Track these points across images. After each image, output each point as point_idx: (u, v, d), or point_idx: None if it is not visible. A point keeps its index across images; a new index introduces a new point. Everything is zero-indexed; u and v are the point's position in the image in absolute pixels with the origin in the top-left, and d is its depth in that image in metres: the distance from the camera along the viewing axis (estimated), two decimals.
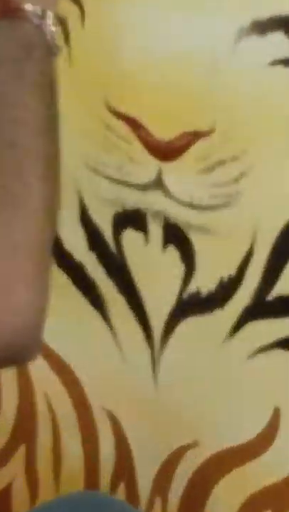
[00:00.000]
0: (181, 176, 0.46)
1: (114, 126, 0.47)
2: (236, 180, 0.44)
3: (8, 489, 0.63)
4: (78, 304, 0.54)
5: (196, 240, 0.48)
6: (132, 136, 0.46)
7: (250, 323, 0.48)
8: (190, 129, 0.43)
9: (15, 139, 0.27)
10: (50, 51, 0.30)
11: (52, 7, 0.31)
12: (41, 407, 0.59)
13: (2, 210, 0.26)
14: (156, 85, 0.45)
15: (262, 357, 0.48)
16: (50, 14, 0.30)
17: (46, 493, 0.61)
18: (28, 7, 0.29)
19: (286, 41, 0.40)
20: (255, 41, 0.41)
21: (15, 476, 0.62)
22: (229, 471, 0.52)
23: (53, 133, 0.29)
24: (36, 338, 0.28)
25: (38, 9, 0.29)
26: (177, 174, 0.46)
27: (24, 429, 0.60)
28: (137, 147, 0.46)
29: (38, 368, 0.56)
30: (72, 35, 0.46)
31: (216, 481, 0.53)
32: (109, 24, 0.45)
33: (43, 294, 0.27)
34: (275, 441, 0.49)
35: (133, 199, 0.49)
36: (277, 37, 0.40)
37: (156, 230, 0.49)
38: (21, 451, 0.61)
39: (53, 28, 0.30)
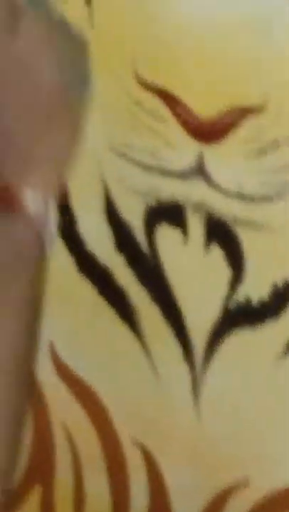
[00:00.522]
0: (227, 161, 0.41)
1: (145, 102, 0.41)
2: None
3: None
4: (103, 315, 0.48)
5: (245, 238, 0.43)
6: (166, 114, 0.41)
7: None
8: (237, 104, 0.39)
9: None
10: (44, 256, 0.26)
11: (53, 189, 0.27)
12: (60, 439, 0.52)
13: None
14: (197, 53, 0.40)
15: None
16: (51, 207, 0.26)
17: None
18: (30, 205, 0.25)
19: None
20: None
21: None
22: None
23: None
24: None
25: (32, 197, 0.25)
26: (222, 159, 0.41)
27: (40, 465, 0.53)
28: (174, 127, 0.41)
29: (56, 393, 0.51)
30: None
31: None
32: None
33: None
34: None
35: (169, 189, 0.43)
36: None
37: (196, 226, 0.44)
38: (36, 492, 0.54)
39: (53, 230, 0.27)
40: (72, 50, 0.27)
